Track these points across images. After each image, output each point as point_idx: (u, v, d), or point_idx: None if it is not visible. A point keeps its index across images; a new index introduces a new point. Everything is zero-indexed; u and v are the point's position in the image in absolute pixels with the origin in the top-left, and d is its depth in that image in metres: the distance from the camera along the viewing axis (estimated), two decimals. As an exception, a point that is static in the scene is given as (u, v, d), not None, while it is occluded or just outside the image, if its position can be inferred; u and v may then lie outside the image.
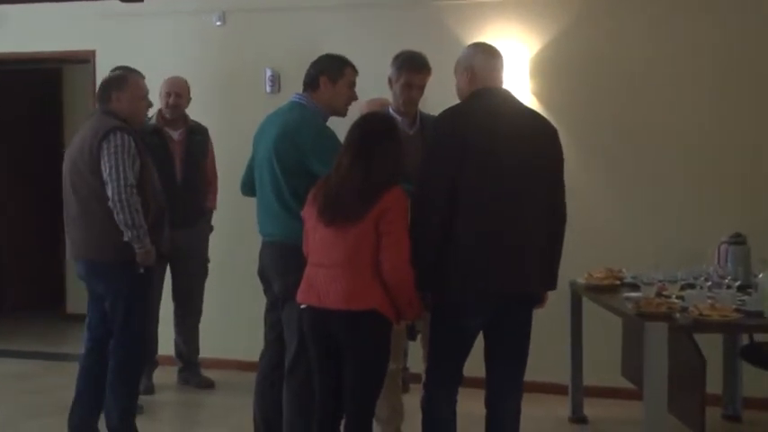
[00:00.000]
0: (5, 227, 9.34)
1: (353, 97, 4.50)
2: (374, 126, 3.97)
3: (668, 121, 6.09)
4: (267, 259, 4.46)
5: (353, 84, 4.47)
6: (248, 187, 4.61)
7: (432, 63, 4.83)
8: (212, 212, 6.47)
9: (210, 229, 6.47)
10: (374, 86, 5.06)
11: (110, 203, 4.63)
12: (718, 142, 6.03)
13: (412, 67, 4.75)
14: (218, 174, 6.48)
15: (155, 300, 6.00)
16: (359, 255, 3.77)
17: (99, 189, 4.68)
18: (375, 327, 3.81)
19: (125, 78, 4.99)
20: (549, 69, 6.25)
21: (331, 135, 4.29)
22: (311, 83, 4.42)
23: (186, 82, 6.30)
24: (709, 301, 4.44)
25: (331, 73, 4.39)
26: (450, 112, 3.99)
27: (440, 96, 4.62)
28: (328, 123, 4.44)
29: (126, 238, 4.67)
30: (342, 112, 4.49)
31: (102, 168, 4.65)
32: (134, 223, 4.65)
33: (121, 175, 4.63)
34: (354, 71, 4.47)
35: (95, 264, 4.80)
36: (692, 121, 6.05)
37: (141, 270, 4.79)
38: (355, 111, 4.70)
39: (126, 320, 4.84)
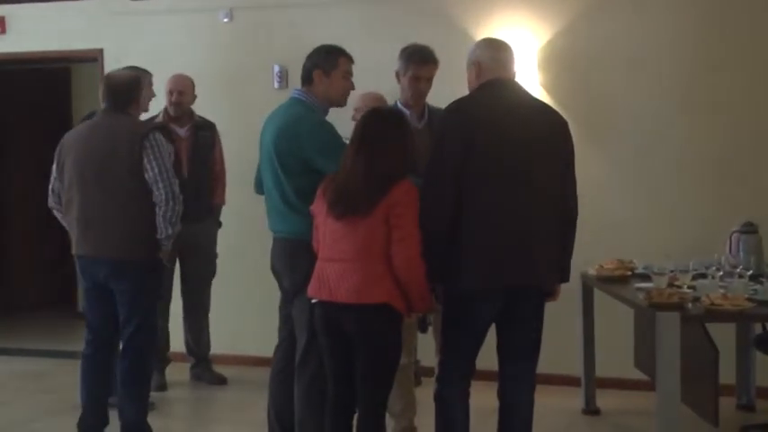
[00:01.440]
0: (16, 226, 9.37)
1: (350, 87, 4.47)
2: (382, 120, 3.97)
3: (679, 111, 6.07)
4: (276, 255, 4.47)
5: (349, 73, 4.45)
6: (261, 186, 4.61)
7: (439, 55, 4.84)
8: (221, 208, 6.48)
9: (219, 225, 6.47)
10: (382, 80, 5.06)
11: (158, 200, 4.69)
12: (730, 131, 6.00)
13: (419, 60, 4.76)
14: (228, 170, 6.48)
15: (166, 296, 6.03)
16: (369, 248, 3.78)
17: (137, 188, 4.71)
18: (387, 320, 3.81)
19: (142, 80, 5.09)
20: (558, 60, 6.23)
21: (329, 129, 4.29)
22: (306, 77, 4.43)
23: (190, 79, 6.31)
24: (722, 290, 4.44)
25: (324, 66, 4.38)
26: (458, 104, 3.99)
27: (447, 89, 4.62)
28: (330, 115, 4.45)
29: (161, 235, 4.74)
30: (340, 103, 4.49)
31: (147, 167, 4.69)
32: (176, 221, 4.77)
33: (170, 173, 4.75)
34: (349, 60, 4.45)
35: (124, 262, 4.77)
36: (703, 110, 6.03)
37: (168, 265, 4.93)
38: (351, 104, 4.72)
39: (146, 318, 4.88)
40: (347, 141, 4.16)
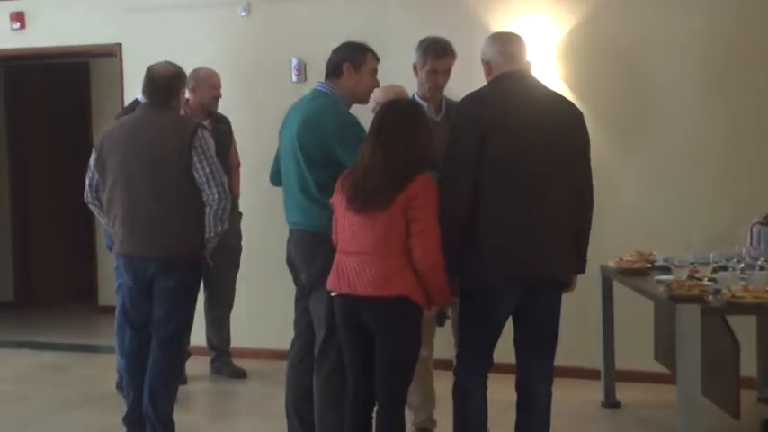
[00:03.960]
0: (37, 220, 9.43)
1: (375, 84, 4.49)
2: (400, 112, 3.95)
3: (700, 101, 6.03)
4: (294, 248, 4.47)
5: (375, 71, 4.46)
6: (277, 177, 4.62)
7: (456, 45, 4.84)
8: (237, 199, 6.49)
9: (239, 216, 6.46)
10: (400, 73, 5.05)
11: (211, 200, 4.68)
12: (750, 123, 5.96)
13: (436, 54, 4.76)
14: (247, 163, 6.50)
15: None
16: (389, 241, 3.78)
17: (186, 187, 4.69)
18: (406, 313, 3.81)
19: (185, 75, 5.03)
20: (580, 50, 6.18)
21: (355, 122, 4.29)
22: (334, 70, 4.42)
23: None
24: (742, 282, 4.41)
25: (354, 60, 4.38)
26: (472, 98, 4.00)
27: (464, 80, 4.61)
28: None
29: (210, 233, 4.75)
30: (365, 99, 4.50)
31: (198, 167, 4.67)
32: (226, 218, 4.80)
33: (221, 172, 4.74)
34: (376, 58, 4.46)
35: (173, 261, 4.74)
36: (723, 102, 5.99)
37: (211, 263, 4.94)
38: (371, 98, 4.71)
39: (186, 314, 4.90)
40: None
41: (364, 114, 4.47)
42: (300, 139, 4.29)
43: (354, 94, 4.42)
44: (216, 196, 4.69)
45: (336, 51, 4.46)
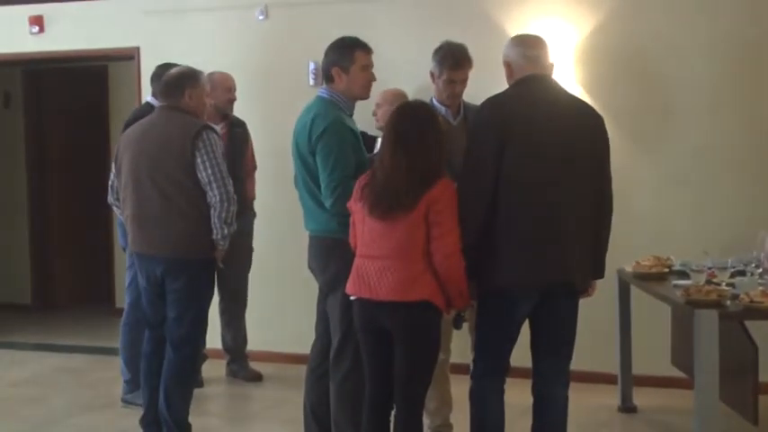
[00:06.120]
0: (55, 223, 9.46)
1: (371, 79, 4.46)
2: (414, 116, 3.95)
3: (717, 107, 6.00)
4: (311, 253, 4.50)
5: (367, 66, 4.44)
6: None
7: (472, 47, 4.84)
8: (252, 201, 6.50)
9: (253, 215, 6.48)
10: (415, 76, 5.05)
11: (213, 202, 4.68)
12: (767, 127, 5.94)
13: (453, 65, 4.79)
14: (263, 166, 6.52)
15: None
16: (410, 246, 3.78)
17: (191, 187, 4.71)
18: (427, 317, 3.82)
19: (197, 75, 4.99)
20: (595, 53, 6.16)
21: (337, 133, 4.25)
22: (326, 76, 4.45)
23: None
24: (761, 287, 4.39)
25: (341, 63, 4.38)
26: (492, 101, 4.00)
27: (481, 82, 4.60)
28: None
29: (217, 236, 4.74)
30: (362, 96, 4.49)
31: (201, 168, 4.68)
32: (232, 221, 4.77)
33: (224, 174, 4.72)
34: (365, 52, 4.43)
35: (180, 261, 4.77)
36: (741, 105, 5.96)
37: (221, 266, 4.91)
38: (373, 101, 4.70)
39: (198, 316, 4.89)
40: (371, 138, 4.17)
41: (365, 119, 4.47)
42: (299, 148, 4.34)
43: (351, 93, 4.43)
44: (218, 198, 4.69)
45: (325, 56, 4.47)
